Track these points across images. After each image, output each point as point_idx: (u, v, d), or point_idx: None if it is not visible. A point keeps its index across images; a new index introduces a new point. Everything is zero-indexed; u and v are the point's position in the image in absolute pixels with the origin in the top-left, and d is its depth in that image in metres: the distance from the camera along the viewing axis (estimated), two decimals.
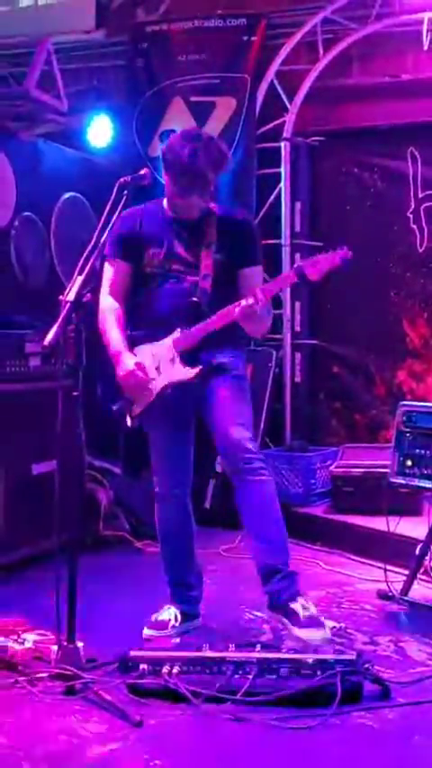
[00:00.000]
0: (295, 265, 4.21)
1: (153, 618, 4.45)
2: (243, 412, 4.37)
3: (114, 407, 4.03)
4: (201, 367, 4.29)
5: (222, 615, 4.63)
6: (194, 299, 4.29)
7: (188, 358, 4.30)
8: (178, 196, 4.29)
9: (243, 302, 4.14)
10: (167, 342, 4.33)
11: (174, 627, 4.40)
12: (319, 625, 4.18)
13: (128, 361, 4.29)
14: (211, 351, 4.33)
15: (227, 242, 4.37)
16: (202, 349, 4.31)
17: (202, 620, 4.53)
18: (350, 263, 4.20)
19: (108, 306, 4.41)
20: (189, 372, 4.30)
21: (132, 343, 4.38)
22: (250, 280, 4.37)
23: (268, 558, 4.30)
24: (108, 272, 4.45)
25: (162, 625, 4.40)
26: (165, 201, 4.43)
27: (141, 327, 4.41)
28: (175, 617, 4.44)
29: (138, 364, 4.28)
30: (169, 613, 4.46)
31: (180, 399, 4.36)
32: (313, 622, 4.18)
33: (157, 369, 4.33)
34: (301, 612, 4.20)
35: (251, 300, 4.11)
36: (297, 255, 7.48)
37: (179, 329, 4.30)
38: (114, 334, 4.36)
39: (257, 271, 4.46)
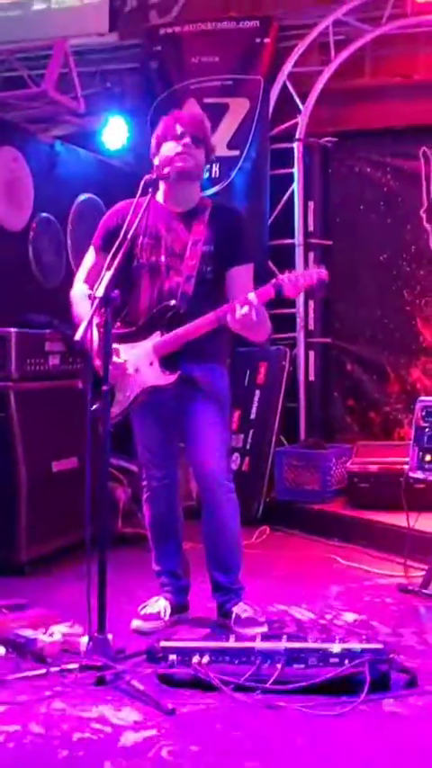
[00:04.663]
0: (274, 281, 4.11)
1: (141, 610, 4.51)
2: (219, 440, 4.40)
3: (93, 407, 4.00)
4: (179, 373, 4.28)
5: None
6: (173, 302, 4.28)
7: (167, 363, 4.29)
8: (187, 150, 4.29)
9: (237, 311, 4.05)
10: (147, 345, 4.30)
11: (163, 619, 4.46)
12: (257, 624, 4.34)
13: None
14: (191, 362, 4.31)
15: (219, 234, 4.35)
16: (182, 356, 4.28)
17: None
18: (326, 285, 4.24)
19: (82, 292, 4.36)
20: (167, 378, 4.29)
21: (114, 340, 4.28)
22: (240, 280, 4.33)
23: (220, 577, 4.49)
24: (88, 259, 4.48)
25: (151, 617, 4.46)
26: (159, 194, 4.40)
27: (124, 325, 4.37)
28: (165, 609, 4.50)
29: (115, 351, 4.24)
30: (159, 605, 4.51)
31: (161, 399, 4.36)
32: (250, 622, 4.34)
33: (136, 371, 4.32)
34: (242, 614, 4.38)
35: (245, 309, 4.04)
36: (311, 255, 7.55)
37: (159, 332, 4.28)
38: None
39: (248, 270, 4.38)
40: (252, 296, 4.07)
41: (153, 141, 4.43)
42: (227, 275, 4.35)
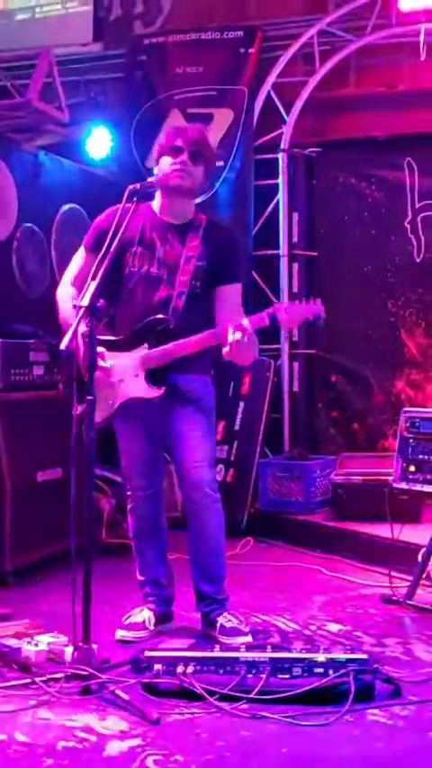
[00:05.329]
0: (270, 310, 4.12)
1: (126, 620, 4.49)
2: (205, 450, 4.40)
3: (75, 412, 3.99)
4: (164, 389, 4.28)
5: None
6: (161, 316, 4.28)
7: (153, 376, 4.28)
8: (183, 168, 4.28)
9: (230, 336, 4.05)
10: (135, 357, 4.30)
11: (148, 628, 4.45)
12: (241, 634, 4.33)
13: None
14: (176, 374, 4.31)
15: (213, 251, 4.37)
16: (168, 369, 4.29)
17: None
18: (324, 320, 4.26)
19: (69, 295, 4.33)
20: (152, 392, 4.29)
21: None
22: (229, 299, 4.37)
23: (205, 587, 4.48)
24: (77, 260, 4.47)
25: (136, 627, 4.44)
26: (155, 204, 4.43)
27: (109, 332, 4.37)
28: (149, 619, 4.49)
29: (101, 354, 4.20)
30: (142, 615, 4.50)
31: (146, 410, 4.35)
32: (234, 631, 4.33)
33: (121, 381, 4.32)
34: (226, 624, 4.37)
35: (237, 335, 4.04)
36: (295, 266, 7.56)
37: (147, 345, 4.28)
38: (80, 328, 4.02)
39: (237, 289, 4.42)
40: (246, 322, 4.08)
41: (155, 149, 4.43)
42: (215, 292, 4.37)
